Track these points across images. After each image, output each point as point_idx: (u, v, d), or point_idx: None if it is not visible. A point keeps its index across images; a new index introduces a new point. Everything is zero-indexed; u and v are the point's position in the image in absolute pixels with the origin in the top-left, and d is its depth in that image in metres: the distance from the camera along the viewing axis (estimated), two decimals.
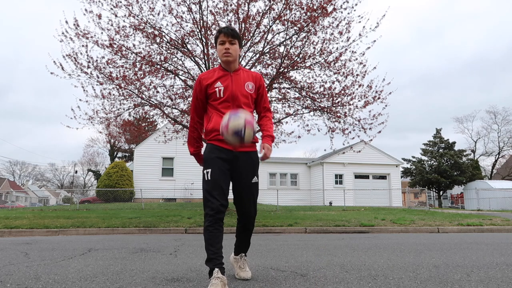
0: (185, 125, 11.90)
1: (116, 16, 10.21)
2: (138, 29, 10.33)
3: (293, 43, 10.63)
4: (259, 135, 2.78)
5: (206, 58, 10.74)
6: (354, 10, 10.27)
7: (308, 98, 11.47)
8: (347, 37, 10.53)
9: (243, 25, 10.33)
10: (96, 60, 10.37)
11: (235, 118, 2.32)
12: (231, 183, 2.58)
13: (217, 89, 2.55)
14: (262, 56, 11.12)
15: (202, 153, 2.68)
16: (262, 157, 2.57)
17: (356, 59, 10.85)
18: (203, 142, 2.76)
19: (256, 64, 11.27)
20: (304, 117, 11.94)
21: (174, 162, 22.70)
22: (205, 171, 2.49)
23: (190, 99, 11.82)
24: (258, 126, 2.76)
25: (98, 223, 8.66)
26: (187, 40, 10.75)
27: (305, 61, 10.77)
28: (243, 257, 2.87)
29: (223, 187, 2.45)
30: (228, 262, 2.88)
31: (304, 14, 10.12)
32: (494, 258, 3.88)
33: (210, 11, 10.38)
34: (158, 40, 10.54)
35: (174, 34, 10.67)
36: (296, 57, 10.70)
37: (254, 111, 2.77)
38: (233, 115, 2.34)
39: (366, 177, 25.62)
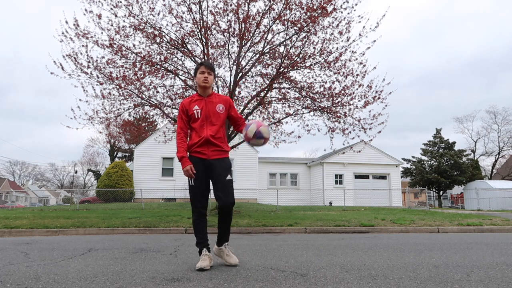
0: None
1: (116, 16, 10.22)
2: (138, 29, 10.34)
3: (293, 43, 10.64)
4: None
5: (206, 58, 10.74)
6: (354, 10, 10.28)
7: (308, 98, 11.47)
8: (347, 37, 10.54)
9: (243, 25, 10.33)
10: (96, 60, 10.38)
11: (249, 128, 3.22)
12: (211, 181, 3.34)
13: (195, 111, 3.33)
14: (262, 56, 11.12)
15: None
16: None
17: (356, 59, 10.85)
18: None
19: (256, 64, 11.27)
20: (304, 117, 11.95)
21: (174, 162, 22.69)
22: (189, 178, 3.30)
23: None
24: (239, 131, 3.51)
25: (98, 223, 8.66)
26: (187, 40, 10.75)
27: (305, 61, 10.77)
28: (227, 245, 3.42)
29: (204, 190, 3.32)
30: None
31: (304, 14, 10.12)
32: (494, 258, 3.88)
33: (210, 11, 10.38)
34: (158, 40, 10.54)
35: (174, 34, 10.68)
36: (296, 57, 10.70)
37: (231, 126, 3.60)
38: (246, 127, 3.25)
39: (366, 177, 25.62)
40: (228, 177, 3.30)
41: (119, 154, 44.16)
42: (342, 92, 11.01)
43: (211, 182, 3.36)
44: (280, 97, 12.05)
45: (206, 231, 3.34)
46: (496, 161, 45.13)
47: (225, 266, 3.39)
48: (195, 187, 3.29)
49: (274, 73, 11.08)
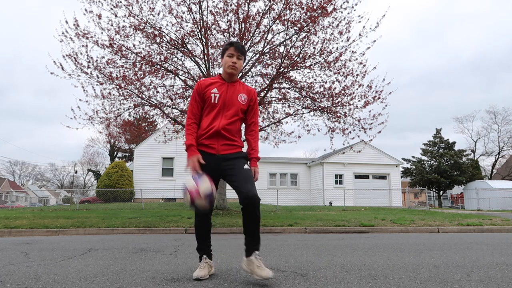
0: (185, 125, 11.90)
1: (116, 16, 10.22)
2: (138, 29, 10.34)
3: (293, 43, 10.64)
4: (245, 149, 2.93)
5: (206, 58, 10.75)
6: (354, 10, 10.29)
7: (308, 98, 11.47)
8: (347, 37, 10.55)
9: (243, 25, 10.33)
10: (96, 60, 10.38)
11: (203, 182, 2.52)
12: (227, 181, 2.78)
13: (212, 95, 2.78)
14: (262, 56, 11.12)
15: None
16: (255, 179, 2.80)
17: (356, 59, 10.86)
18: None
19: (256, 64, 11.27)
20: (304, 117, 11.96)
21: (174, 162, 22.70)
22: (192, 176, 2.70)
23: (190, 99, 11.82)
24: (246, 139, 2.99)
25: (98, 223, 8.66)
26: (187, 40, 10.75)
27: (305, 61, 10.77)
28: (256, 255, 2.67)
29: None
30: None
31: (304, 14, 10.12)
32: (494, 258, 3.88)
33: (210, 11, 10.38)
34: (158, 40, 10.54)
35: (174, 34, 10.69)
36: (296, 57, 10.70)
37: (243, 123, 2.98)
38: (199, 179, 2.54)
39: (366, 177, 25.62)
40: (246, 166, 2.77)
41: (119, 154, 44.16)
42: (342, 92, 11.01)
43: (219, 183, 2.98)
44: (280, 97, 12.06)
45: (209, 236, 2.88)
46: (496, 161, 45.14)
47: (225, 266, 3.38)
48: None
49: (274, 73, 11.08)
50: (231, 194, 9.55)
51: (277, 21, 10.33)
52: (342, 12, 10.28)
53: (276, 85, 11.65)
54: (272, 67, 11.47)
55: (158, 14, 10.39)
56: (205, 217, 2.81)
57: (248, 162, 2.81)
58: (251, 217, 2.67)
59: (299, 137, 12.09)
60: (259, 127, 11.93)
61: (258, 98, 11.79)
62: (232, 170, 2.71)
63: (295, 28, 10.26)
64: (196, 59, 11.00)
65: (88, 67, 10.34)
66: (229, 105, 2.79)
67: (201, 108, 2.83)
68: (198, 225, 2.85)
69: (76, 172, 56.30)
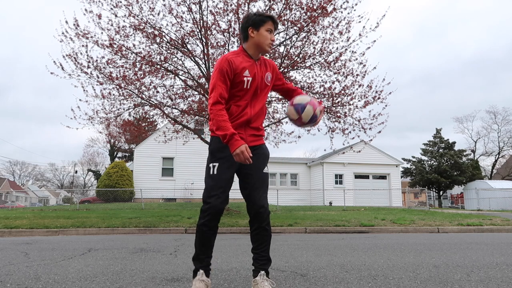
0: (185, 125, 11.89)
1: (116, 16, 10.22)
2: (138, 29, 10.34)
3: (293, 43, 10.63)
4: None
5: (206, 58, 10.74)
6: (354, 10, 10.28)
7: None
8: (347, 37, 10.54)
9: None
10: (96, 60, 10.38)
11: (305, 110, 2.34)
12: (238, 176, 2.45)
13: (245, 79, 2.32)
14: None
15: (215, 144, 2.34)
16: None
17: (356, 59, 10.86)
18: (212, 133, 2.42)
19: None
20: None
21: (174, 162, 22.70)
22: (211, 165, 2.31)
23: (190, 99, 11.81)
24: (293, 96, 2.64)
25: (98, 223, 8.66)
26: (187, 40, 10.75)
27: (305, 61, 10.77)
28: (263, 276, 2.30)
29: (227, 186, 2.31)
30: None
31: (304, 14, 10.12)
32: (494, 258, 3.88)
33: (210, 11, 10.38)
34: (158, 40, 10.54)
35: (174, 34, 10.68)
36: (296, 57, 10.70)
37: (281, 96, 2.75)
38: (299, 107, 2.35)
39: (366, 177, 25.62)
40: (266, 169, 2.46)
41: (119, 154, 44.16)
42: (342, 92, 11.01)
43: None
44: (280, 97, 12.06)
45: (212, 245, 2.37)
46: (496, 161, 45.13)
47: (225, 266, 3.38)
48: (218, 177, 2.28)
49: None
50: (231, 194, 9.47)
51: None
52: (342, 12, 10.28)
53: None
54: None
55: (158, 14, 10.39)
56: (215, 218, 2.29)
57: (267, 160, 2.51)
58: (260, 231, 2.37)
59: (299, 137, 12.10)
60: None
61: None
62: (253, 168, 2.36)
63: (295, 28, 10.26)
64: (196, 59, 11.00)
65: (88, 67, 10.35)
66: (260, 90, 2.41)
67: (228, 92, 2.33)
68: (203, 227, 2.29)
69: (76, 172, 56.32)
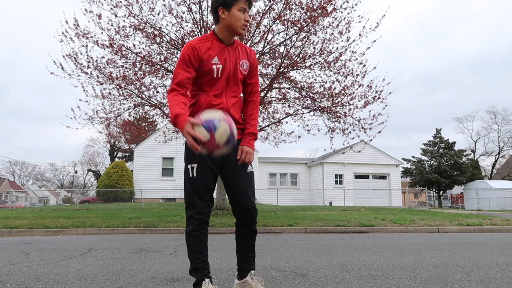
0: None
1: (116, 16, 10.22)
2: (138, 29, 10.34)
3: (293, 43, 10.63)
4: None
5: None
6: (354, 10, 10.29)
7: (308, 98, 11.47)
8: (347, 37, 10.55)
9: None
10: (96, 60, 10.39)
11: (219, 129, 1.85)
12: (222, 178, 2.22)
13: (214, 67, 2.08)
14: (262, 56, 11.12)
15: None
16: (239, 162, 2.15)
17: (356, 59, 10.86)
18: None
19: None
20: (304, 117, 11.96)
21: (174, 162, 22.69)
22: (189, 166, 2.07)
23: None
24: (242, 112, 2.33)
25: (98, 223, 8.66)
26: (187, 40, 10.75)
27: (305, 61, 10.77)
28: (253, 275, 2.22)
29: (210, 186, 2.11)
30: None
31: (304, 14, 10.12)
32: (494, 258, 3.88)
33: (210, 11, 10.38)
34: (158, 40, 10.54)
35: (174, 34, 10.68)
36: (296, 57, 10.70)
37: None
38: (210, 125, 1.86)
39: (366, 177, 25.63)
40: (250, 168, 2.21)
41: (119, 154, 44.17)
42: (342, 92, 11.02)
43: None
44: (280, 97, 12.06)
45: (207, 251, 2.15)
46: (496, 161, 45.13)
47: (225, 266, 3.38)
48: (199, 179, 2.07)
49: (274, 73, 11.08)
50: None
51: (277, 21, 10.33)
52: (342, 12, 10.29)
53: (276, 85, 11.65)
54: (272, 67, 11.47)
55: (158, 14, 10.39)
56: (203, 222, 2.10)
57: (251, 164, 2.23)
58: (249, 229, 2.21)
59: (299, 137, 12.11)
60: (259, 127, 11.93)
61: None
62: (235, 167, 2.14)
63: (295, 28, 10.26)
64: None
65: (88, 67, 10.35)
66: (233, 78, 2.15)
67: (192, 79, 2.08)
68: (193, 234, 2.08)
69: (76, 172, 56.32)
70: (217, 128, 1.85)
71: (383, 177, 25.94)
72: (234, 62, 2.14)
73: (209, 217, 2.13)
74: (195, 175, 2.08)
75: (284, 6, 10.03)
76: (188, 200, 2.10)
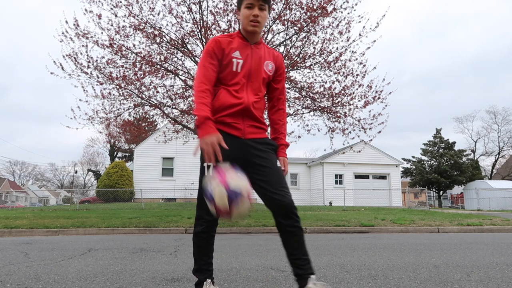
0: (185, 125, 11.90)
1: (116, 16, 10.21)
2: (138, 29, 10.33)
3: (293, 43, 10.63)
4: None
5: None
6: (354, 10, 10.28)
7: (308, 98, 11.47)
8: (347, 37, 10.54)
9: None
10: (96, 60, 10.38)
11: (214, 192, 1.71)
12: (246, 172, 2.00)
13: (234, 61, 2.04)
14: None
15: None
16: (285, 173, 2.14)
17: (356, 59, 10.86)
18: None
19: None
20: (304, 117, 11.95)
21: (174, 162, 22.69)
22: (205, 165, 1.89)
23: (190, 99, 11.81)
24: (269, 121, 2.33)
25: (98, 223, 8.65)
26: (187, 40, 10.75)
27: (305, 61, 10.77)
28: (311, 279, 1.88)
29: None
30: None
31: (304, 14, 10.12)
32: (494, 258, 3.88)
33: (210, 11, 10.37)
34: (158, 40, 10.54)
35: (174, 34, 10.68)
36: (296, 57, 10.70)
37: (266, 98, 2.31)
38: (207, 192, 1.75)
39: (366, 177, 25.63)
40: (279, 163, 2.11)
41: (119, 154, 44.17)
42: (342, 92, 11.01)
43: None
44: None
45: (212, 252, 2.16)
46: (496, 161, 45.13)
47: (225, 266, 3.38)
48: None
49: None
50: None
51: (277, 21, 10.33)
52: (342, 12, 10.28)
53: None
54: None
55: (158, 14, 10.39)
56: (214, 224, 2.05)
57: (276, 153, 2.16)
58: (293, 231, 1.96)
59: (299, 137, 12.09)
60: None
61: None
62: (262, 166, 2.01)
63: (295, 28, 10.26)
64: (196, 59, 10.99)
65: (88, 67, 10.35)
66: (255, 76, 2.09)
67: (217, 73, 2.04)
68: (201, 236, 2.07)
69: (76, 172, 56.32)
70: (238, 201, 1.70)
71: (383, 177, 25.94)
72: (257, 60, 2.11)
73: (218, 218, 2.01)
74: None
75: (284, 6, 10.03)
76: (201, 199, 2.01)
